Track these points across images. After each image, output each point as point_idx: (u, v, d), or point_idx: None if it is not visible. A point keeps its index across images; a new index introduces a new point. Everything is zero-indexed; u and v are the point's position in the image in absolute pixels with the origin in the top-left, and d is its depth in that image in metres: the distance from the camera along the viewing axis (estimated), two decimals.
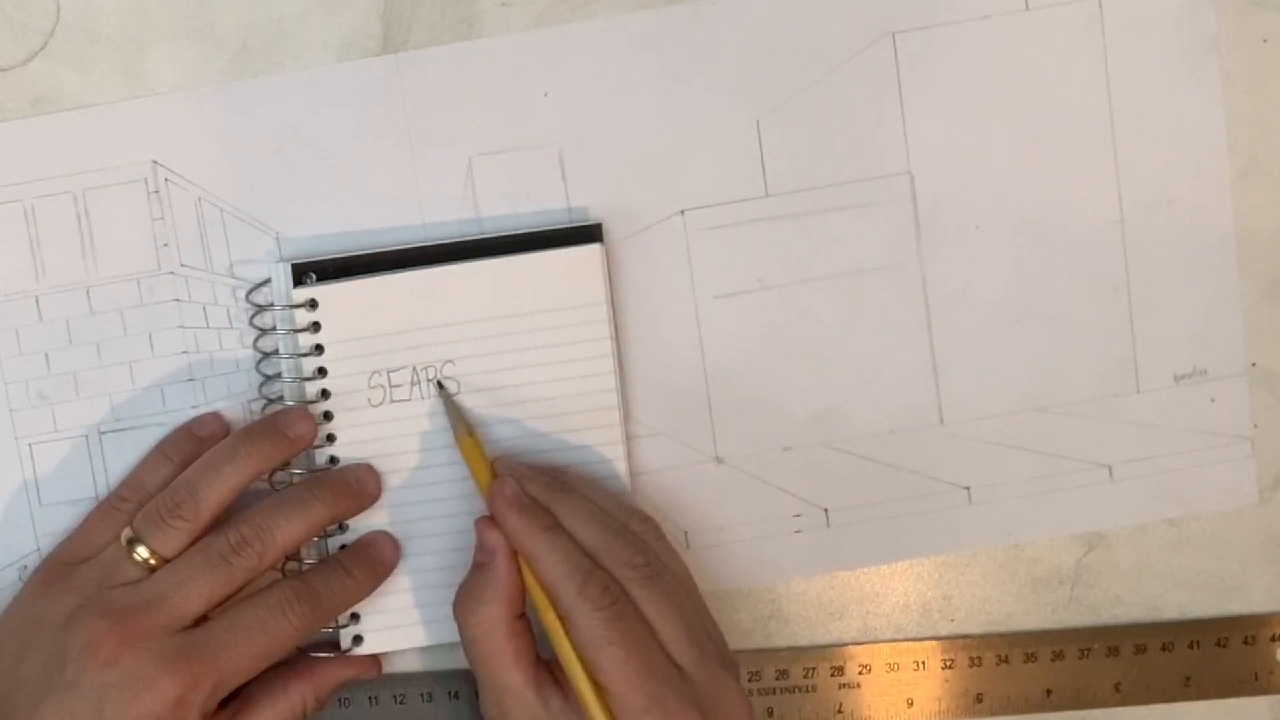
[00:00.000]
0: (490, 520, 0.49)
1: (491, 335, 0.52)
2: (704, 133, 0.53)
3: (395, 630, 0.53)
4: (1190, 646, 0.55)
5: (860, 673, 0.55)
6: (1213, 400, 0.55)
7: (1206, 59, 0.54)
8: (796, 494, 0.54)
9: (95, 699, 0.46)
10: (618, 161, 0.53)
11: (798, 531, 0.54)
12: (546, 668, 0.48)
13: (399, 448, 0.52)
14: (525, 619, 0.48)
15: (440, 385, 0.51)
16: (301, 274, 0.52)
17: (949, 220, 0.54)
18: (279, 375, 0.52)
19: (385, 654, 0.53)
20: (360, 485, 0.51)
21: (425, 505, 0.52)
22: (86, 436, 0.53)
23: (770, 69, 0.53)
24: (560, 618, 0.47)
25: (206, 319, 0.53)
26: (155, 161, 0.53)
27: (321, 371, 0.52)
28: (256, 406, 0.53)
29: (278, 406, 0.52)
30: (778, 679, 0.55)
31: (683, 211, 0.53)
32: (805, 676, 0.55)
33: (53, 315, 0.53)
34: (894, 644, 0.55)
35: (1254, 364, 0.55)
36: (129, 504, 0.51)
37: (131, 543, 0.48)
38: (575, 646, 0.46)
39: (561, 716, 0.47)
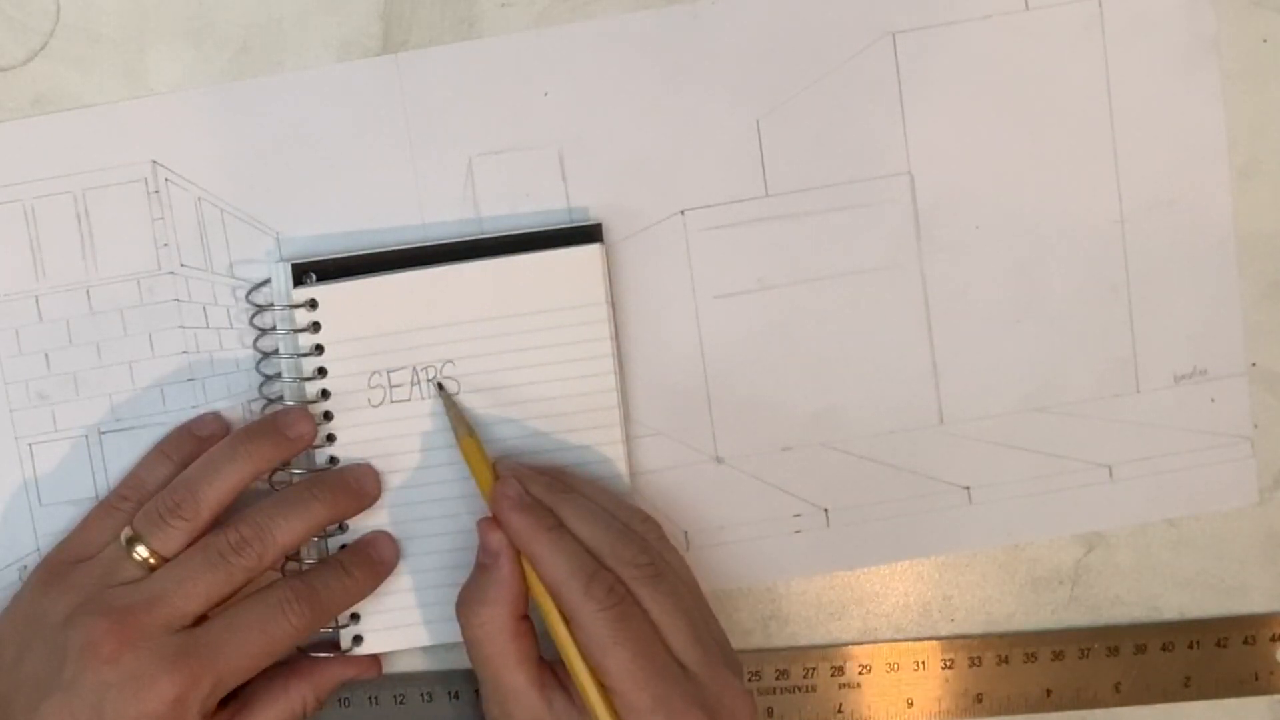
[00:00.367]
0: (493, 521, 0.49)
1: (491, 335, 0.52)
2: (704, 133, 0.53)
3: (395, 630, 0.53)
4: (1190, 646, 0.55)
5: (860, 673, 0.55)
6: (1213, 400, 0.55)
7: (1206, 59, 0.54)
8: (796, 494, 0.54)
9: (95, 698, 0.46)
10: (618, 161, 0.53)
11: (798, 531, 0.54)
12: (550, 668, 0.48)
13: (399, 448, 0.52)
14: (528, 620, 0.48)
15: (440, 386, 0.51)
16: (301, 274, 0.52)
17: (949, 220, 0.54)
18: (279, 375, 0.52)
19: (385, 654, 0.53)
20: (360, 485, 0.51)
21: (425, 505, 0.52)
22: (86, 436, 0.53)
23: (770, 69, 0.53)
24: (564, 618, 0.47)
25: (206, 319, 0.53)
26: (155, 161, 0.53)
27: (321, 371, 0.52)
28: (256, 406, 0.53)
29: (278, 406, 0.52)
30: (778, 679, 0.55)
31: (683, 211, 0.53)
32: (805, 676, 0.55)
33: (53, 315, 0.53)
34: (894, 644, 0.55)
35: (1254, 364, 0.55)
36: (129, 503, 0.51)
37: (131, 542, 0.48)
38: (580, 647, 0.46)
39: (565, 717, 0.47)
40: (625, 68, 0.53)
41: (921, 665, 0.55)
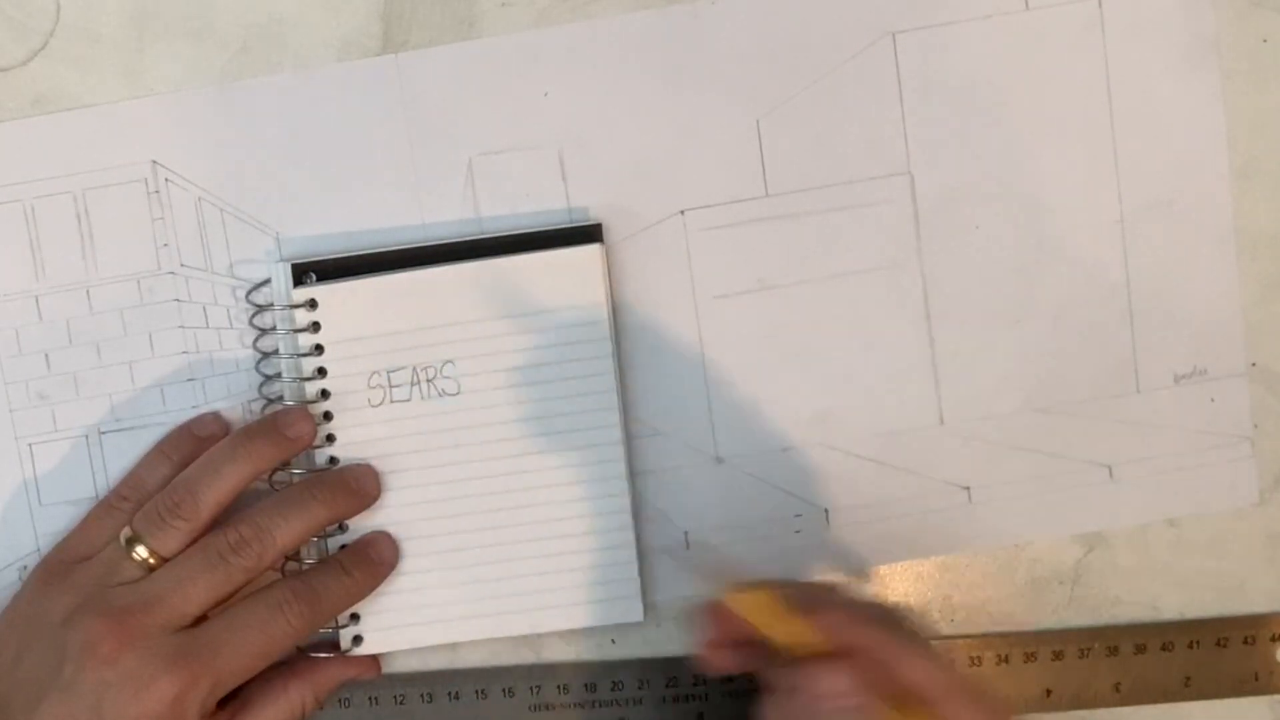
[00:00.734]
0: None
1: (491, 335, 0.52)
2: (704, 133, 0.53)
3: (395, 630, 0.53)
4: (1190, 646, 0.55)
5: None
6: (1213, 400, 0.55)
7: (1206, 59, 0.54)
8: (796, 494, 0.54)
9: (94, 698, 0.46)
10: (618, 161, 0.53)
11: (798, 531, 0.54)
12: None
13: (399, 448, 0.52)
14: None
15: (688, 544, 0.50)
16: (301, 274, 0.52)
17: (949, 220, 0.54)
18: (279, 375, 0.52)
19: (385, 654, 0.53)
20: (360, 485, 0.51)
21: (425, 505, 0.52)
22: (86, 436, 0.53)
23: (770, 69, 0.53)
24: None
25: (206, 319, 0.53)
26: (155, 161, 0.53)
27: (321, 371, 0.52)
28: (256, 406, 0.53)
29: (277, 406, 0.52)
30: None
31: (683, 211, 0.53)
32: None
33: (53, 315, 0.53)
34: None
35: (1254, 364, 0.55)
36: (128, 503, 0.51)
37: (131, 542, 0.48)
38: None
39: None
40: (625, 68, 0.53)
41: None
